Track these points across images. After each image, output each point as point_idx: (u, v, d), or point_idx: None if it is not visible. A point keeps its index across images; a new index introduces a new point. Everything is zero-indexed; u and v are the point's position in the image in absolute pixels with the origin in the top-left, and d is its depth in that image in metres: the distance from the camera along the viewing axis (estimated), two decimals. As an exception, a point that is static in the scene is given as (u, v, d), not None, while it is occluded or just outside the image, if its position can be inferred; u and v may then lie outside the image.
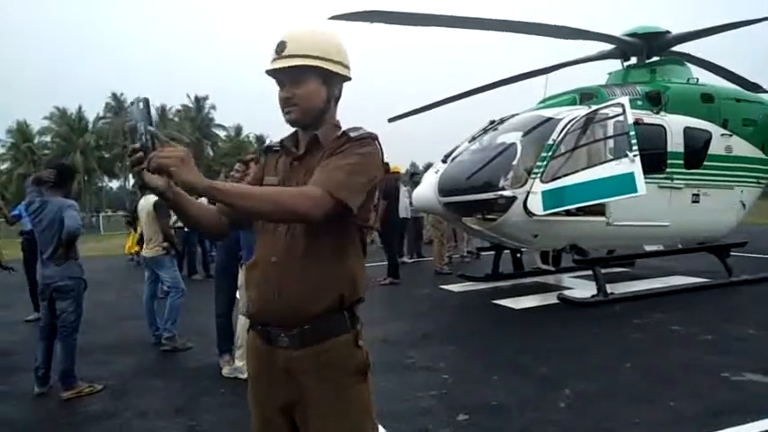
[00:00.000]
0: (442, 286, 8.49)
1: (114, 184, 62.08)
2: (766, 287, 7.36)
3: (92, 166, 51.55)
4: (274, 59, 1.68)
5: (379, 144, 1.72)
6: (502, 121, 7.69)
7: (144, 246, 5.87)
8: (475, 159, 7.08)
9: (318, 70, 1.67)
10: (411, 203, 10.70)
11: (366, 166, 1.64)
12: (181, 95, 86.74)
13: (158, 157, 1.36)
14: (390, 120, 11.74)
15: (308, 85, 1.68)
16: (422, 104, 10.63)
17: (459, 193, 6.86)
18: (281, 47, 1.67)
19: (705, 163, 7.63)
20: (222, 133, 65.70)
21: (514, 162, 6.72)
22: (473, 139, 7.73)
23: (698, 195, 7.56)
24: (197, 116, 61.98)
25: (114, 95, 56.69)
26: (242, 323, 4.48)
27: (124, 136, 52.56)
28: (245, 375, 4.40)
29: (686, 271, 8.45)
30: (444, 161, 7.57)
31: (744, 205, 8.10)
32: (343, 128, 1.74)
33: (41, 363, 4.50)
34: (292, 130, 1.79)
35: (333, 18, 5.74)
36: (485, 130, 7.74)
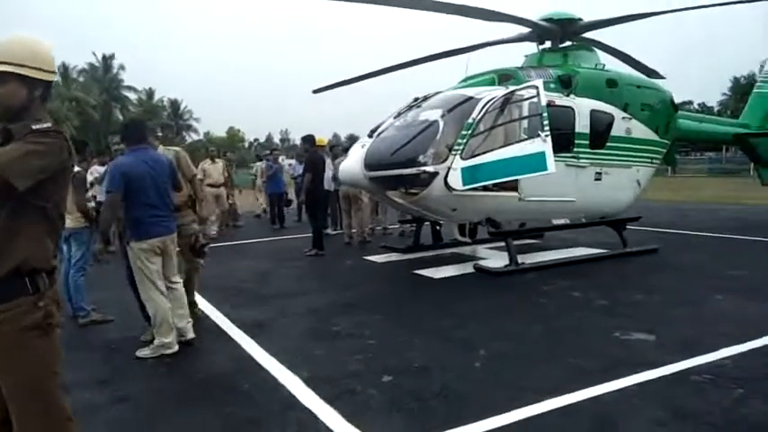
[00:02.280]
0: (366, 257, 8.74)
1: None
2: (655, 257, 8.20)
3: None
4: None
5: (65, 138, 2.02)
6: (425, 98, 7.94)
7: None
8: (399, 135, 7.30)
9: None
10: (334, 176, 10.87)
11: (35, 147, 1.91)
12: (85, 54, 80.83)
13: None
14: (315, 91, 11.72)
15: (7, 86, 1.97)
16: (346, 78, 10.70)
17: (384, 168, 7.06)
18: None
19: (608, 144, 8.26)
20: (133, 96, 61.93)
21: (436, 139, 7.00)
22: (398, 115, 7.94)
23: (600, 174, 8.21)
24: (104, 76, 57.95)
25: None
26: (161, 301, 4.49)
27: None
28: (171, 350, 4.45)
29: (588, 243, 9.20)
30: (370, 136, 7.74)
31: (639, 184, 8.89)
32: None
33: None
34: None
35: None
36: (409, 107, 7.96)
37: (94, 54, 58.26)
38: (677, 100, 10.07)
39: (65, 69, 54.69)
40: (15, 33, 2.02)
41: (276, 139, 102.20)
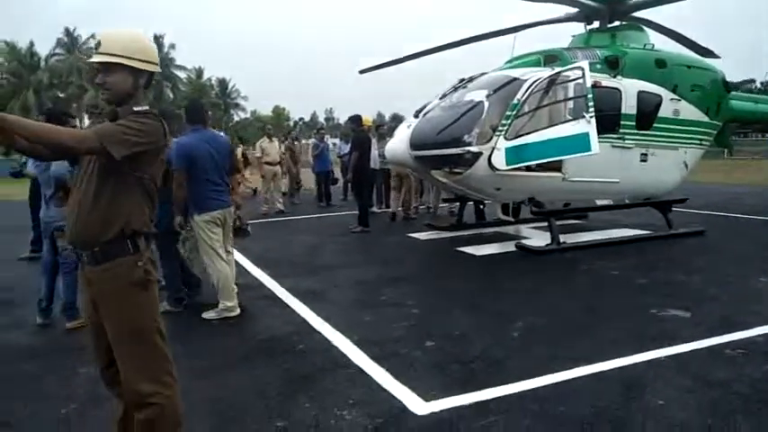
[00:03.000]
0: (410, 234, 9.05)
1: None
2: (700, 239, 8.19)
3: (47, 105, 49.31)
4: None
5: (160, 120, 2.37)
6: (471, 79, 8.10)
7: None
8: (444, 116, 7.51)
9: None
10: (380, 155, 11.19)
11: (132, 125, 2.25)
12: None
13: None
14: (361, 71, 12.00)
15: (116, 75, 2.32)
16: (392, 58, 10.91)
17: (429, 148, 7.31)
18: (96, 45, 2.35)
19: (655, 125, 8.23)
20: (183, 75, 63.62)
21: (481, 119, 7.18)
22: (443, 96, 8.14)
23: (646, 155, 8.21)
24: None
25: (67, 30, 54.02)
26: (224, 268, 4.91)
27: (79, 74, 50.53)
28: (234, 313, 4.89)
29: (632, 224, 9.22)
30: (416, 116, 7.98)
31: (686, 165, 8.82)
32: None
33: (44, 296, 4.87)
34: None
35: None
36: (455, 88, 8.14)
37: (145, 33, 59.74)
38: (739, 78, 9.84)
39: (120, 49, 56.62)
40: (123, 28, 2.38)
41: (321, 118, 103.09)
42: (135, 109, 2.36)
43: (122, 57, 2.31)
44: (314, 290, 5.78)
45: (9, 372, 3.93)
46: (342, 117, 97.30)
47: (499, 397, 3.31)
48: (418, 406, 3.22)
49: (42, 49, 52.33)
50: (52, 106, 7.45)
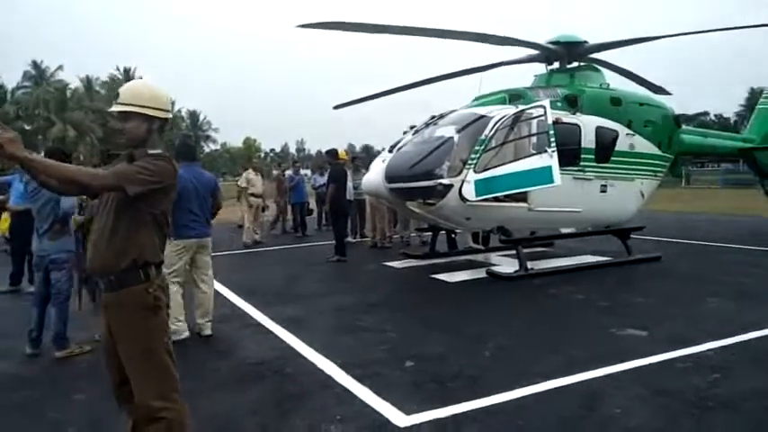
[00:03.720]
0: (385, 263, 9.38)
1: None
2: (657, 265, 8.73)
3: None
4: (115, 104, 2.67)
5: (171, 162, 2.69)
6: (441, 116, 8.59)
7: None
8: (417, 150, 7.95)
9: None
10: (354, 187, 11.59)
11: (148, 167, 2.56)
12: (107, 66, 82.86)
13: None
14: (335, 107, 12.42)
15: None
16: (366, 94, 11.39)
17: (404, 180, 7.71)
18: (116, 96, 2.68)
19: (612, 158, 8.83)
20: (153, 108, 63.45)
21: (451, 154, 7.64)
22: (415, 131, 8.61)
23: (605, 186, 8.78)
24: (126, 89, 59.53)
25: (35, 63, 53.59)
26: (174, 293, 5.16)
27: (46, 107, 50.00)
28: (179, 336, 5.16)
29: (594, 251, 9.75)
30: (390, 151, 8.41)
31: (643, 195, 9.44)
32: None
33: (35, 327, 5.02)
34: None
35: (300, 26, 6.41)
36: (426, 124, 8.63)
37: (117, 68, 59.72)
38: (693, 111, 10.63)
39: (88, 82, 56.46)
40: (139, 80, 2.71)
41: (292, 149, 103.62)
42: (149, 152, 2.67)
43: (136, 106, 2.64)
44: (296, 317, 6.03)
45: (5, 399, 4.08)
46: (312, 148, 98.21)
47: (473, 410, 3.63)
48: (400, 419, 3.51)
49: (9, 82, 51.73)
50: (52, 146, 7.70)
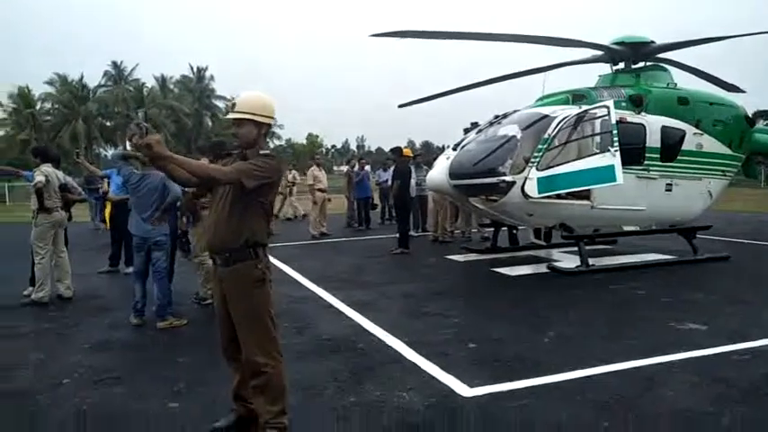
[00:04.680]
0: (447, 256, 9.73)
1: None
2: (724, 264, 8.64)
3: (94, 134, 51.98)
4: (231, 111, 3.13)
5: (278, 159, 3.25)
6: (505, 115, 8.84)
7: None
8: (481, 148, 8.25)
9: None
10: (417, 183, 11.99)
11: (261, 164, 3.02)
12: (181, 65, 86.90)
13: (146, 140, 2.71)
14: (401, 106, 12.83)
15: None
16: (430, 93, 11.73)
17: (467, 177, 8.03)
18: (233, 105, 3.14)
19: (679, 157, 8.81)
20: (222, 104, 66.11)
21: (515, 152, 7.90)
22: (479, 130, 8.90)
23: (671, 185, 8.77)
24: (197, 87, 62.38)
25: (114, 63, 57.00)
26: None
27: (125, 104, 53.16)
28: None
29: (658, 249, 9.71)
30: (454, 149, 8.75)
31: (711, 194, 9.33)
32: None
33: (140, 299, 5.73)
34: None
35: (374, 36, 6.86)
36: (490, 123, 8.90)
37: (191, 66, 62.47)
38: None
39: (163, 81, 59.53)
40: (252, 92, 3.16)
41: (353, 146, 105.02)
42: (261, 152, 3.15)
43: (249, 114, 3.11)
44: (364, 301, 6.51)
45: (124, 360, 4.75)
46: (373, 145, 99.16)
47: (532, 386, 3.96)
48: (464, 390, 3.89)
49: (91, 81, 55.24)
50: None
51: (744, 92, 10.98)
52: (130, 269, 7.68)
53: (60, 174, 6.89)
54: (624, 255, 9.49)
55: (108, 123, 54.86)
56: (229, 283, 3.15)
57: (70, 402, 3.83)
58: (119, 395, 3.96)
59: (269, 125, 3.22)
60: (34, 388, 4.09)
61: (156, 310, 5.64)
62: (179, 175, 3.05)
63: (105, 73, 56.55)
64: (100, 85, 56.58)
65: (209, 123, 63.94)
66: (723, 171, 9.44)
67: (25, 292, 6.90)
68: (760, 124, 11.63)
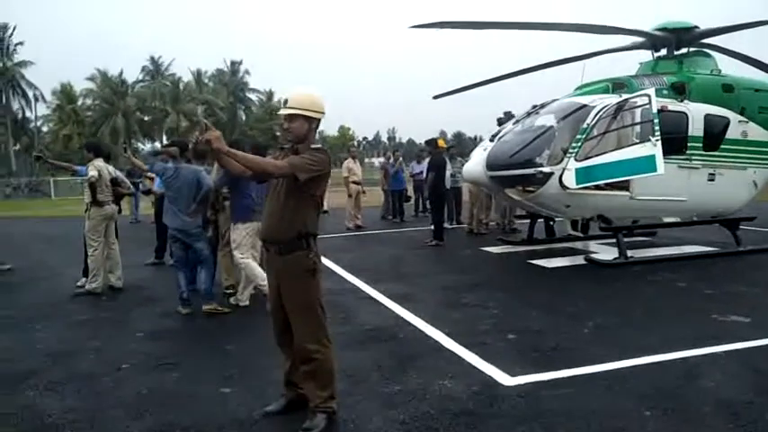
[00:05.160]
0: (483, 248, 9.76)
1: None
2: (767, 257, 8.46)
3: (133, 128, 53.34)
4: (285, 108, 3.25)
5: (327, 153, 3.31)
6: (543, 105, 8.79)
7: None
8: (518, 140, 8.24)
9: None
10: (451, 175, 12.02)
11: (312, 158, 3.17)
12: (216, 59, 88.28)
13: (206, 136, 2.87)
14: (435, 97, 12.85)
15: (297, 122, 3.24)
16: (465, 84, 11.71)
17: (504, 168, 8.04)
18: (285, 102, 3.26)
19: (722, 146, 8.62)
20: (255, 98, 66.95)
21: (552, 142, 7.86)
22: (517, 121, 8.88)
23: (714, 175, 8.60)
24: (231, 80, 63.29)
25: (152, 58, 58.26)
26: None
27: (162, 99, 54.38)
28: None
29: (700, 241, 9.54)
30: (491, 140, 8.76)
31: (756, 184, 9.10)
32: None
33: (185, 288, 5.98)
34: None
35: (413, 27, 6.93)
36: (527, 114, 8.87)
37: (225, 60, 63.36)
38: None
39: (198, 75, 60.61)
40: (302, 88, 3.29)
41: (384, 138, 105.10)
42: (312, 146, 3.28)
43: (300, 109, 3.24)
44: (403, 293, 6.62)
45: (179, 348, 4.99)
46: (404, 137, 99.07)
47: (572, 376, 4.01)
48: (505, 379, 3.97)
49: (129, 76, 56.61)
50: (176, 139, 8.80)
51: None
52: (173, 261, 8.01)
53: (111, 168, 7.21)
54: (664, 247, 9.36)
55: (146, 118, 56.27)
56: (283, 272, 3.30)
57: (132, 386, 4.06)
58: (175, 380, 4.18)
59: (319, 120, 3.34)
60: (97, 372, 4.35)
61: (202, 295, 5.91)
62: (233, 168, 3.22)
63: (143, 68, 57.97)
64: (138, 81, 58.08)
65: (243, 117, 64.94)
66: (769, 160, 9.18)
67: (78, 283, 7.24)
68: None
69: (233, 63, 63.58)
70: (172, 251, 8.51)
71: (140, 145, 60.05)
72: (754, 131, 8.88)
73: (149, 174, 7.98)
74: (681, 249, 8.99)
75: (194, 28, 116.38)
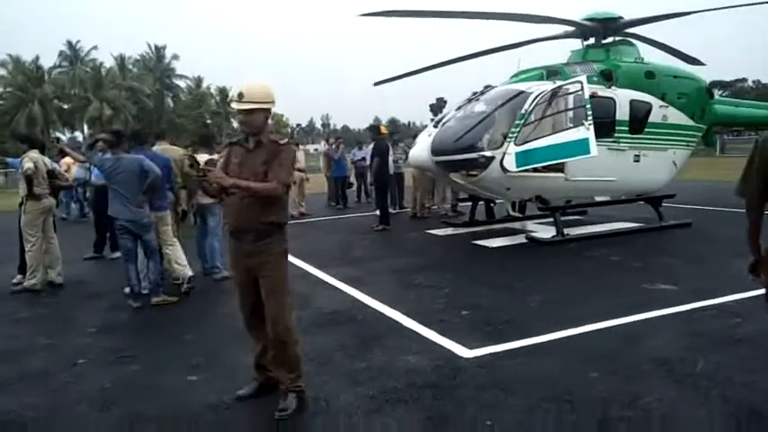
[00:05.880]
0: (428, 231, 10.04)
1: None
2: (688, 230, 9.19)
3: (51, 117, 50.20)
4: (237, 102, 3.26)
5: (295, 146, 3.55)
6: (482, 92, 9.12)
7: (198, 196, 7.11)
8: (460, 125, 8.52)
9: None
10: (394, 161, 12.23)
11: (290, 161, 3.35)
12: (139, 44, 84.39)
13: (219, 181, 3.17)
14: (376, 83, 12.97)
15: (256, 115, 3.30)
16: (405, 72, 11.90)
17: (448, 153, 8.31)
18: (240, 96, 3.25)
19: (646, 129, 9.27)
20: (183, 84, 64.57)
21: (493, 128, 8.20)
22: (459, 107, 9.16)
23: (639, 156, 9.24)
24: (157, 66, 60.70)
25: (70, 44, 54.98)
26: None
27: (82, 86, 51.36)
28: None
29: (628, 217, 10.22)
30: (435, 126, 9.00)
31: (675, 164, 9.86)
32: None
33: (135, 281, 5.86)
34: None
35: (362, 15, 7.00)
36: (468, 100, 9.17)
37: (149, 45, 60.71)
38: (732, 77, 10.84)
39: (122, 60, 57.73)
40: (255, 81, 3.32)
41: (318, 125, 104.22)
42: (273, 138, 3.37)
43: (259, 103, 3.29)
44: (356, 276, 6.76)
45: (136, 341, 4.91)
46: (338, 123, 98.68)
47: (525, 346, 4.30)
48: (465, 352, 4.21)
49: (46, 62, 53.15)
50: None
51: (704, 64, 11.50)
52: (116, 254, 7.76)
53: (47, 160, 6.88)
54: (596, 224, 9.96)
55: (65, 106, 53.10)
56: (259, 256, 3.33)
57: (92, 380, 4.00)
58: (137, 371, 4.14)
59: (271, 109, 3.42)
60: (51, 369, 4.24)
61: (151, 288, 5.82)
62: (213, 192, 3.45)
63: (61, 53, 54.60)
64: (55, 66, 54.68)
65: (171, 104, 62.51)
66: (687, 142, 9.96)
67: (14, 280, 6.92)
68: (716, 95, 12.24)
69: (157, 48, 60.99)
70: (113, 244, 8.29)
71: (59, 134, 56.72)
72: (674, 115, 9.59)
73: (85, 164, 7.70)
74: (611, 226, 9.60)
75: (117, 13, 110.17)
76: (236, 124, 69.34)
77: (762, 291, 4.85)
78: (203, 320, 5.34)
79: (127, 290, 5.90)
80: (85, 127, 53.27)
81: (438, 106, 52.57)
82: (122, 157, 5.74)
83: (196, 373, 4.04)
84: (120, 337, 5.00)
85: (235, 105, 3.30)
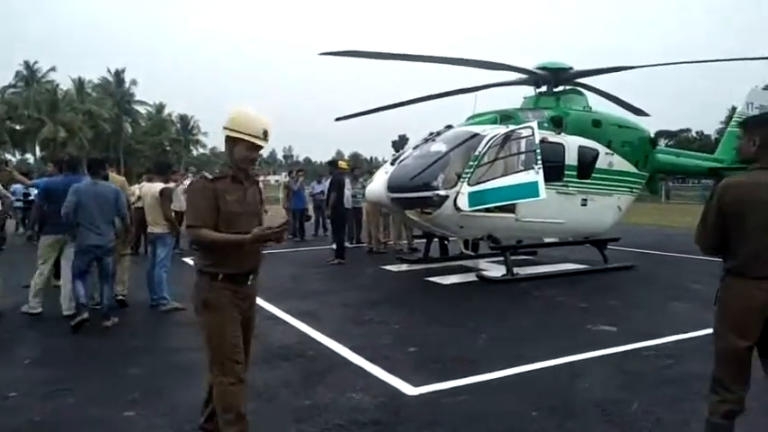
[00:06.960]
0: (383, 266, 10.11)
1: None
2: (632, 273, 9.57)
3: (3, 138, 48.51)
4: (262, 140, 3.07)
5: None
6: (439, 133, 9.38)
7: (149, 224, 7.01)
8: (417, 164, 8.71)
9: None
10: (353, 195, 12.35)
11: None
12: (99, 68, 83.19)
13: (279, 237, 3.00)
14: (338, 119, 13.16)
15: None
16: (366, 108, 12.16)
17: (404, 191, 8.47)
18: (265, 134, 3.08)
19: (593, 175, 9.69)
20: (143, 110, 63.66)
21: (448, 167, 8.42)
22: (416, 146, 9.38)
23: (586, 200, 9.62)
24: (117, 91, 59.77)
25: (26, 64, 53.73)
26: None
27: (36, 108, 49.96)
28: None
29: (574, 259, 10.56)
30: (392, 164, 9.18)
31: (620, 209, 10.31)
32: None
33: (84, 300, 5.84)
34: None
35: (322, 54, 7.18)
36: (425, 140, 9.41)
37: (108, 70, 59.90)
38: (676, 128, 11.51)
39: (80, 83, 56.66)
40: (263, 115, 3.15)
41: (279, 156, 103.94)
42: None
43: (232, 131, 3.07)
44: (308, 311, 6.73)
45: (67, 373, 4.74)
46: (301, 155, 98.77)
47: (471, 383, 4.37)
48: (409, 389, 4.24)
49: (1, 82, 51.73)
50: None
51: (649, 115, 12.18)
52: (59, 282, 7.50)
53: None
54: (544, 264, 10.26)
55: (18, 127, 51.46)
56: (252, 296, 3.30)
57: (23, 414, 3.83)
58: (72, 405, 4.00)
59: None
60: (-21, 402, 4.04)
61: (105, 311, 5.83)
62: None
63: (17, 74, 53.24)
64: (9, 85, 53.22)
65: (129, 129, 61.40)
66: (631, 188, 10.44)
67: (-53, 308, 6.59)
68: (661, 145, 12.94)
69: (117, 72, 60.14)
70: (57, 272, 8.00)
71: (9, 156, 54.70)
72: (619, 162, 10.08)
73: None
74: (559, 267, 9.90)
75: (78, 36, 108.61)
76: (195, 152, 68.85)
77: (690, 334, 5.11)
78: (146, 354, 5.20)
79: (67, 312, 5.83)
80: (38, 149, 51.67)
81: (400, 143, 53.50)
82: (98, 184, 6.06)
83: (134, 409, 3.93)
84: (56, 369, 4.80)
85: (260, 143, 3.08)
